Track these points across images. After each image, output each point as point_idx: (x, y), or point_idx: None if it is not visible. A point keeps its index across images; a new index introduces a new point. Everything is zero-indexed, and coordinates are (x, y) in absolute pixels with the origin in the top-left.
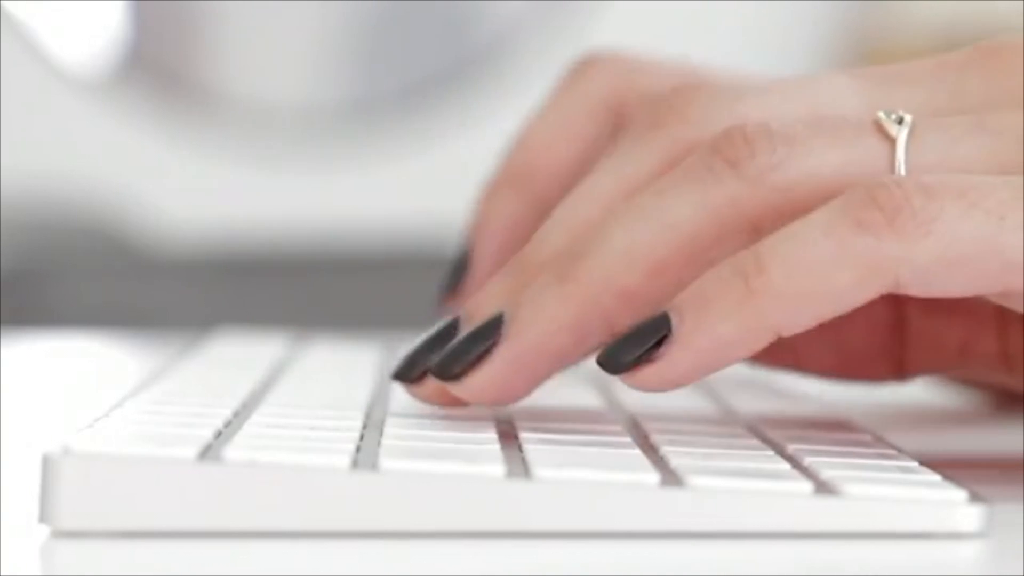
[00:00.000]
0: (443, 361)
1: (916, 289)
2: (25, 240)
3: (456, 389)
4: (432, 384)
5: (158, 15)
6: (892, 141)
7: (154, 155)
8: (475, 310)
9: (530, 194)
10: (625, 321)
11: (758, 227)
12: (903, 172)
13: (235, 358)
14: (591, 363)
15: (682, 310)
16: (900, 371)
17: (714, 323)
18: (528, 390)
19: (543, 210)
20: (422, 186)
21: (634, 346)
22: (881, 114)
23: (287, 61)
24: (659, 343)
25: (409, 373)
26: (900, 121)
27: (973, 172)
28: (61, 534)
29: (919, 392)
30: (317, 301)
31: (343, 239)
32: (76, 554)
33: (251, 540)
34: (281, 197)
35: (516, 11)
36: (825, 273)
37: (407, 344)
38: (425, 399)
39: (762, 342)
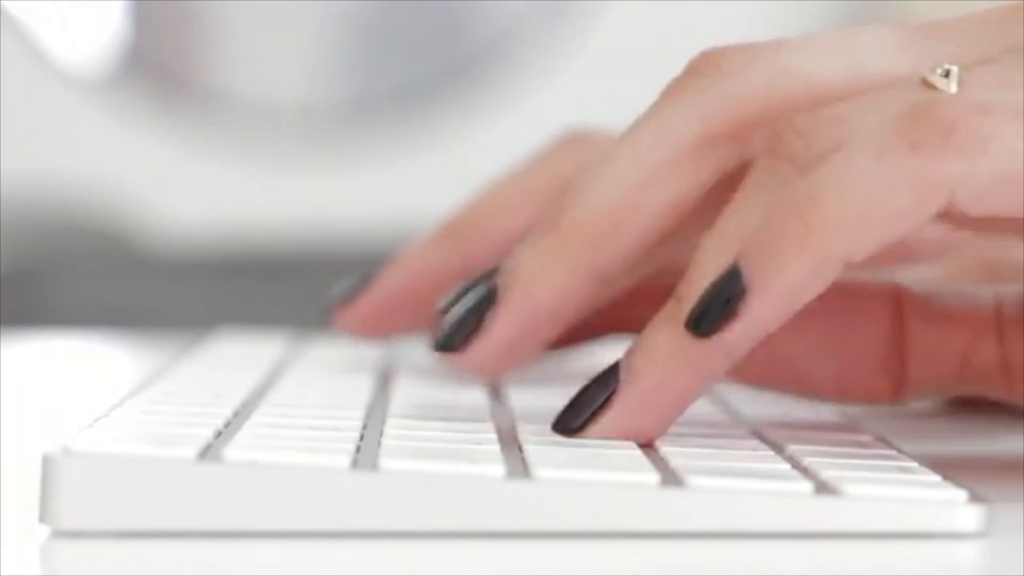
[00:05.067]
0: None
1: (971, 208)
2: (25, 240)
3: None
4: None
5: (158, 15)
6: None
7: (154, 155)
8: None
9: (462, 249)
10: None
11: None
12: None
13: (235, 358)
14: (590, 362)
15: (751, 260)
16: (899, 388)
17: (785, 266)
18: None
19: (469, 266)
20: (422, 186)
21: (714, 306)
22: (927, 71)
23: (287, 61)
24: (735, 300)
25: (452, 342)
26: (947, 74)
27: None
28: (61, 534)
29: None
30: (317, 301)
31: (343, 239)
32: (76, 554)
33: (251, 540)
34: (281, 197)
35: (516, 11)
36: (881, 198)
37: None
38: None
39: (833, 273)
